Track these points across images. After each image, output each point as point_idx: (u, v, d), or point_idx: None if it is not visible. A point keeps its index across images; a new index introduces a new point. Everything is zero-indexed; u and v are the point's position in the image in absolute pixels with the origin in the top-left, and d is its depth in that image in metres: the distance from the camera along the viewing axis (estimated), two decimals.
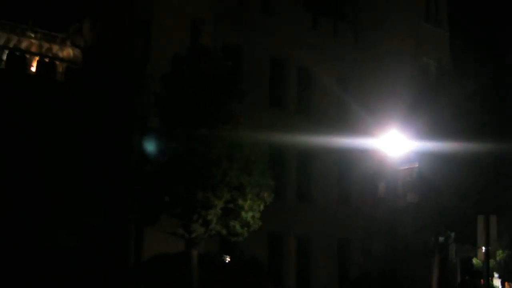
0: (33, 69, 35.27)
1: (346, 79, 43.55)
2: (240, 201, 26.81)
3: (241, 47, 38.89)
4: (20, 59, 34.68)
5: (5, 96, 31.94)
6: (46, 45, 37.82)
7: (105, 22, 39.72)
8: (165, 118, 27.64)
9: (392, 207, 27.52)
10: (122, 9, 38.41)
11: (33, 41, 37.61)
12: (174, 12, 35.37)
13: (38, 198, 32.14)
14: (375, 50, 44.73)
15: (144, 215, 27.31)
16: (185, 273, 27.23)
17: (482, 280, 26.51)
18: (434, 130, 31.64)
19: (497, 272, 42.71)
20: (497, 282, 43.31)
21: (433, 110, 32.68)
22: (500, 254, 38.47)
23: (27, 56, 35.72)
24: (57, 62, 36.43)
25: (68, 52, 38.60)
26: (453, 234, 34.16)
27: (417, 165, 27.74)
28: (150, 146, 27.92)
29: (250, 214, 27.13)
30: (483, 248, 22.72)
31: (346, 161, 41.82)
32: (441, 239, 34.38)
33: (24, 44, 37.07)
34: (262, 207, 27.61)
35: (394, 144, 27.57)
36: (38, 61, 35.53)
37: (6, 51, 34.85)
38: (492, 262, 32.14)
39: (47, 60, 36.08)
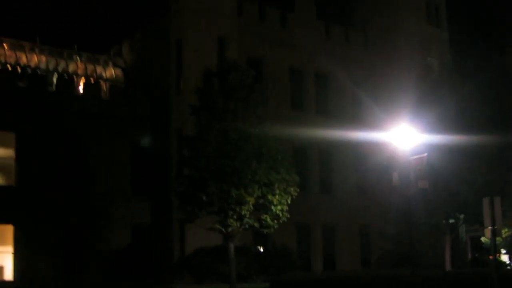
0: (81, 88, 35.61)
1: (359, 81, 43.48)
2: (269, 197, 26.91)
3: (263, 59, 39.12)
4: (68, 81, 35.09)
5: (58, 115, 32.40)
6: (90, 67, 38.14)
7: (142, 43, 40.15)
8: (200, 126, 27.86)
9: (405, 194, 27.40)
10: (156, 31, 38.80)
11: (79, 63, 37.90)
12: (202, 31, 35.79)
13: (94, 205, 32.60)
14: (384, 53, 44.77)
15: (185, 214, 27.48)
16: (224, 264, 27.47)
17: (491, 256, 26.32)
18: (440, 123, 31.62)
19: (504, 248, 42.41)
20: (504, 257, 42.99)
21: (438, 105, 32.62)
22: (505, 232, 38.20)
23: (75, 78, 36.14)
24: (102, 82, 36.79)
25: (110, 72, 38.86)
26: (462, 216, 34.02)
27: (426, 155, 27.62)
28: (187, 152, 28.18)
29: (279, 207, 27.20)
30: (490, 227, 22.50)
31: (362, 154, 41.84)
32: (451, 221, 34.30)
33: (71, 67, 37.41)
34: (289, 200, 27.66)
35: (404, 137, 27.50)
36: (84, 83, 35.92)
37: (56, 75, 35.25)
38: (499, 239, 31.95)
39: (92, 80, 36.45)
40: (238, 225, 26.91)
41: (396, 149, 27.39)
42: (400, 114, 32.75)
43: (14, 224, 30.64)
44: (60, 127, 32.21)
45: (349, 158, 42.12)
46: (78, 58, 38.29)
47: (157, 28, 38.76)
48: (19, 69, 34.62)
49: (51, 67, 36.61)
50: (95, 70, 38.13)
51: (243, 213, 26.45)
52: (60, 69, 36.85)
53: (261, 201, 26.89)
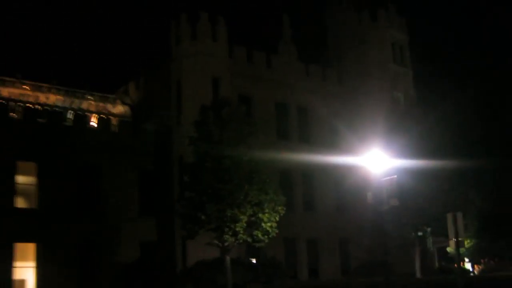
0: (93, 123, 36.01)
1: (335, 112, 43.92)
2: (260, 215, 27.33)
3: (252, 95, 39.66)
4: (82, 117, 35.49)
5: (73, 146, 32.79)
6: (101, 105, 38.77)
7: (146, 83, 40.74)
8: (198, 154, 28.19)
9: (379, 210, 27.72)
10: (158, 73, 39.35)
11: (91, 102, 38.42)
12: (198, 72, 36.46)
13: (106, 224, 32.87)
14: (356, 88, 45.29)
15: (187, 231, 27.65)
16: (221, 274, 27.66)
17: (456, 265, 26.59)
18: (407, 149, 32.15)
19: (467, 257, 42.63)
20: (468, 265, 43.18)
21: (406, 133, 33.11)
22: (468, 243, 38.45)
23: (88, 114, 36.55)
24: (111, 117, 37.21)
25: (119, 109, 39.37)
26: (429, 229, 34.38)
27: (396, 177, 28.02)
28: (187, 177, 28.46)
29: (268, 224, 27.56)
30: (454, 239, 22.79)
31: (340, 176, 42.12)
32: (419, 233, 34.59)
33: (84, 105, 38.00)
34: (277, 218, 28.07)
35: (377, 161, 27.89)
36: (97, 118, 36.31)
37: (72, 112, 35.68)
38: (462, 249, 32.25)
39: (103, 116, 36.87)
40: (233, 240, 27.23)
41: (369, 172, 27.72)
42: (372, 141, 33.12)
43: (36, 242, 30.83)
44: (76, 157, 32.62)
45: (329, 179, 42.46)
46: (90, 97, 38.91)
47: (159, 71, 39.39)
48: (39, 107, 34.99)
49: (66, 105, 37.29)
50: (105, 107, 38.77)
51: (237, 229, 26.83)
52: (74, 106, 37.44)
53: (253, 219, 27.30)
